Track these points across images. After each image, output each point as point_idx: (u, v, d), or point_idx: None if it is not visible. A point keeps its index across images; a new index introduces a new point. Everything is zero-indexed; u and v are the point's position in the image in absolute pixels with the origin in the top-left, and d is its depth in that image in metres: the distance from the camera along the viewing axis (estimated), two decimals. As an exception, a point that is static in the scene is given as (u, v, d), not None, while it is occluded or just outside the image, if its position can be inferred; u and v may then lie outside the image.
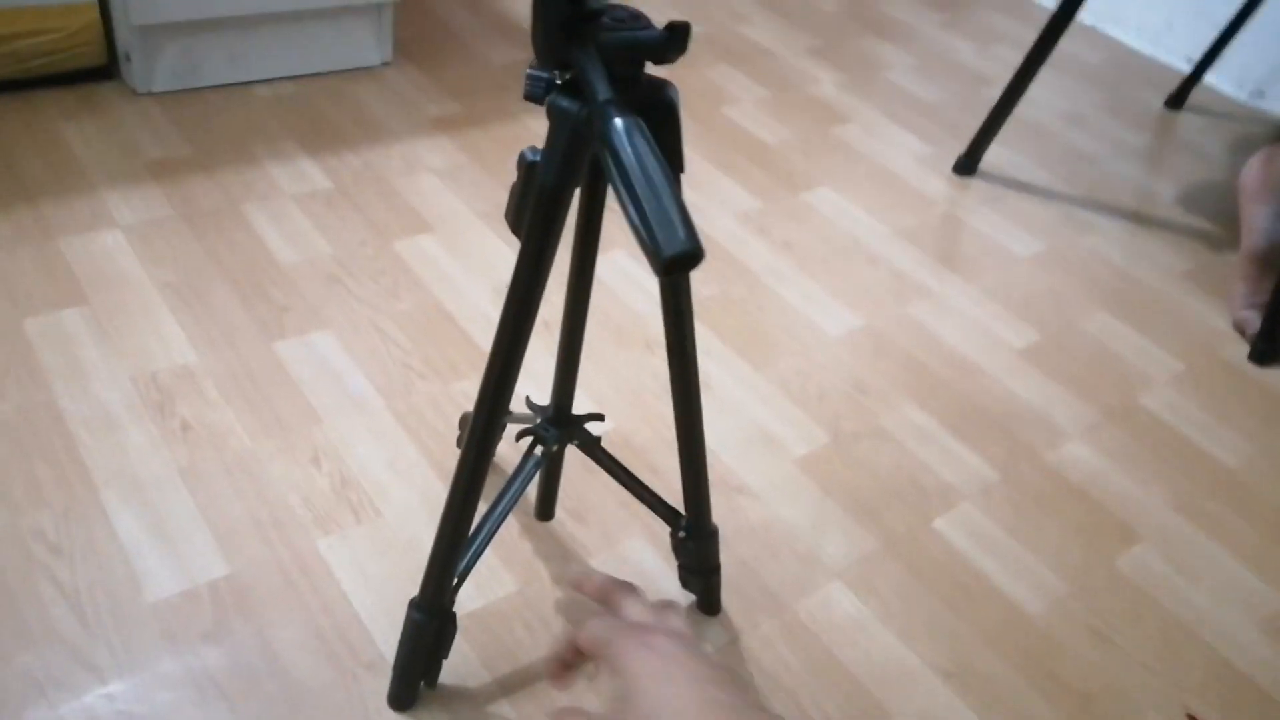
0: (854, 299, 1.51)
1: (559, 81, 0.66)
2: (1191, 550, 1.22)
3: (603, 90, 0.60)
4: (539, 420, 0.89)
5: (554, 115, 0.66)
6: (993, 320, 1.52)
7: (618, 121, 0.58)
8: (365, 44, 1.79)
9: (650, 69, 0.68)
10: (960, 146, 1.89)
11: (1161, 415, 1.41)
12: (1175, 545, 1.22)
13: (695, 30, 2.18)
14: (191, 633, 0.92)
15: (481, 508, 0.80)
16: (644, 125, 0.59)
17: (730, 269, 1.52)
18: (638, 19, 0.67)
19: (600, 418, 0.92)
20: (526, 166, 0.72)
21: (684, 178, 1.82)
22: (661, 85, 0.69)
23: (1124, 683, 1.05)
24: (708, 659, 0.50)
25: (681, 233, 0.54)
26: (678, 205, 0.55)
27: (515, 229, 0.78)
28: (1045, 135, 2.06)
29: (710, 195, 1.68)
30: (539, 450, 0.89)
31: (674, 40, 0.67)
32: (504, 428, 1.07)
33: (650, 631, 0.51)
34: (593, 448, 0.91)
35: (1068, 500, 1.25)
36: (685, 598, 1.04)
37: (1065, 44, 2.42)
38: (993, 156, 1.90)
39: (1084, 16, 2.56)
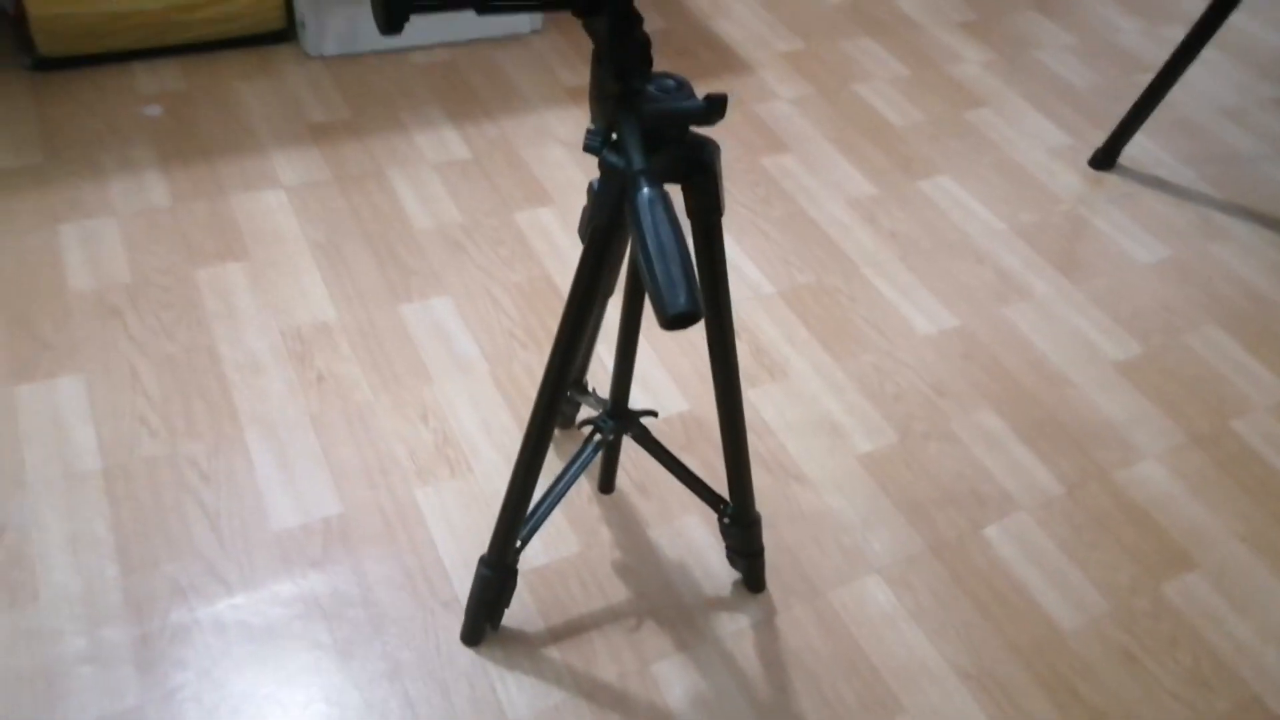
0: (951, 297, 1.54)
1: (614, 138, 0.76)
2: (1247, 583, 1.22)
3: (637, 160, 0.69)
4: (600, 412, 1.01)
5: (605, 168, 0.76)
6: (1094, 329, 1.52)
7: (644, 193, 0.67)
8: (515, 12, 1.90)
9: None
10: (1104, 138, 1.85)
11: (1251, 442, 1.39)
12: (1231, 576, 1.23)
13: None
14: (303, 560, 1.10)
15: (546, 484, 0.93)
16: (667, 197, 0.68)
17: (829, 257, 1.58)
18: (682, 89, 0.75)
19: (654, 414, 1.02)
20: (592, 193, 0.82)
21: (796, 160, 1.91)
22: (702, 145, 0.77)
23: (1144, 709, 1.10)
24: None
25: (683, 297, 0.63)
26: (684, 270, 0.64)
27: (583, 240, 0.89)
28: (1197, 130, 1.98)
29: (824, 178, 1.72)
30: (597, 437, 1.01)
31: (712, 110, 0.75)
32: (574, 414, 1.19)
33: None
34: (644, 439, 1.02)
35: (1129, 521, 1.28)
36: (731, 574, 1.15)
37: (1240, 20, 2.27)
38: (1135, 150, 1.85)
39: (1275, -9, 2.39)
